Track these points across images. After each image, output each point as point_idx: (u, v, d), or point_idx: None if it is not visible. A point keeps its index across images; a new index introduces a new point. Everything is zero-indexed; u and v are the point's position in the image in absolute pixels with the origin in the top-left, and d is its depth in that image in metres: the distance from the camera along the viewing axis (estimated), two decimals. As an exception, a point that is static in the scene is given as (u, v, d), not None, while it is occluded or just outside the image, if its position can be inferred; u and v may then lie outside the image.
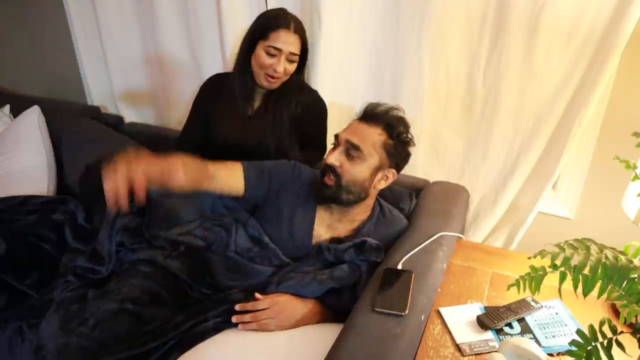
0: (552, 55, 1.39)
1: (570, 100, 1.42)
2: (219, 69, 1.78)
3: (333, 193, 1.19)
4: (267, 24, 1.35)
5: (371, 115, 1.21)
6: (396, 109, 1.22)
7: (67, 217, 1.41)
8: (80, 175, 1.63)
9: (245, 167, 1.26)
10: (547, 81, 1.42)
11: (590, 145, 1.51)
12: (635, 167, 1.01)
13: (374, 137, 1.17)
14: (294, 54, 1.35)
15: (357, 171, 1.17)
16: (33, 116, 1.79)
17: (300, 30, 1.36)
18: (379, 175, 1.21)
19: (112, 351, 1.00)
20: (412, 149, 1.24)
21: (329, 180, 1.18)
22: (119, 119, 2.06)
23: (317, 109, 1.52)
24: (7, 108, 1.92)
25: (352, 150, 1.16)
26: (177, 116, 2.01)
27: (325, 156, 1.39)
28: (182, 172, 1.03)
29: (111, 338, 1.02)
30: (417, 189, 1.49)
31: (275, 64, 1.34)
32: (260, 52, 1.35)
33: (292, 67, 1.38)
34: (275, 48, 1.33)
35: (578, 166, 1.56)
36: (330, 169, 1.18)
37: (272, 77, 1.37)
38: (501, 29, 1.40)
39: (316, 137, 1.57)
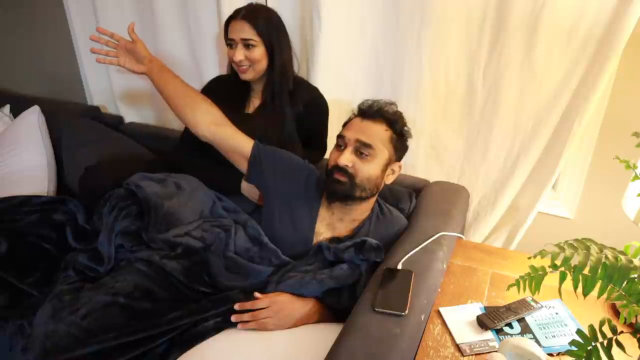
0: (552, 56, 1.39)
1: (570, 100, 1.42)
2: (219, 70, 1.78)
3: (347, 190, 1.20)
4: (225, 22, 1.43)
5: (373, 112, 1.23)
6: (391, 103, 1.26)
7: (67, 217, 1.41)
8: (80, 176, 1.63)
9: (256, 142, 1.33)
10: (547, 81, 1.42)
11: (590, 145, 1.51)
12: (635, 167, 1.01)
13: (381, 134, 1.21)
14: (246, 39, 1.37)
15: (369, 169, 1.19)
16: (33, 116, 1.79)
17: (249, 17, 1.37)
18: (388, 170, 1.24)
19: (99, 340, 1.00)
20: (410, 143, 1.29)
21: (342, 177, 1.19)
22: (119, 119, 2.06)
23: (318, 105, 1.53)
24: (7, 108, 1.91)
25: (363, 149, 1.18)
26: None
27: (327, 156, 1.39)
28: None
29: (100, 328, 1.03)
30: (417, 189, 1.49)
31: (234, 54, 1.39)
32: (227, 49, 1.43)
33: (253, 53, 1.39)
34: (230, 39, 1.40)
35: (578, 166, 1.56)
36: (341, 169, 1.19)
37: (239, 67, 1.41)
38: (501, 28, 1.40)
39: (318, 136, 1.58)
